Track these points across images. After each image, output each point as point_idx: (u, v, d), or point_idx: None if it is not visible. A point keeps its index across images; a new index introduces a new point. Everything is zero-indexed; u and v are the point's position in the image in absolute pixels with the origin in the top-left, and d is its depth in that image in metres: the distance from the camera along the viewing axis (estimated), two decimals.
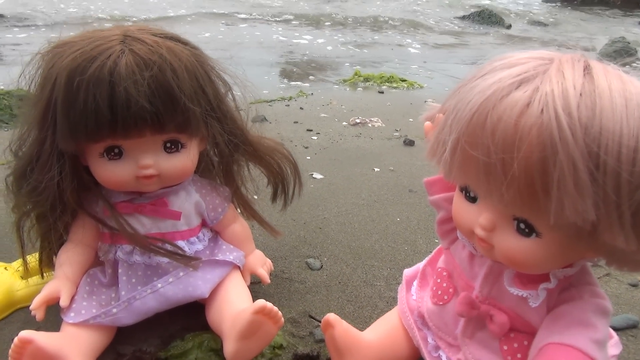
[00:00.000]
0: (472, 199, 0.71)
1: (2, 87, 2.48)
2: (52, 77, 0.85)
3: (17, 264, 1.11)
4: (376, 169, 1.95)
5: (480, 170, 0.62)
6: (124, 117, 0.82)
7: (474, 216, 0.70)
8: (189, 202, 1.01)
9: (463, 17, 7.93)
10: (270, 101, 2.90)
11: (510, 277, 0.74)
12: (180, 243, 0.99)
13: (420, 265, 0.97)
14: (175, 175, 0.94)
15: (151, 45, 0.85)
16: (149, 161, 0.90)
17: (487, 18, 7.68)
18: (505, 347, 0.76)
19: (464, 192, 0.72)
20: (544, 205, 0.59)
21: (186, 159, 0.94)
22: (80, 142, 0.87)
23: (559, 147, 0.56)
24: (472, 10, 8.06)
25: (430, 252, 0.98)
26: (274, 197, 1.16)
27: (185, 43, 0.93)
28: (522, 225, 0.65)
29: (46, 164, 0.88)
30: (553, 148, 0.56)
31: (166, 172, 0.92)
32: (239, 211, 1.15)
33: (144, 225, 0.97)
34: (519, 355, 0.75)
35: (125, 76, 0.81)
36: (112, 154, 0.89)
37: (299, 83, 3.64)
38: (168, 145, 0.91)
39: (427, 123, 0.83)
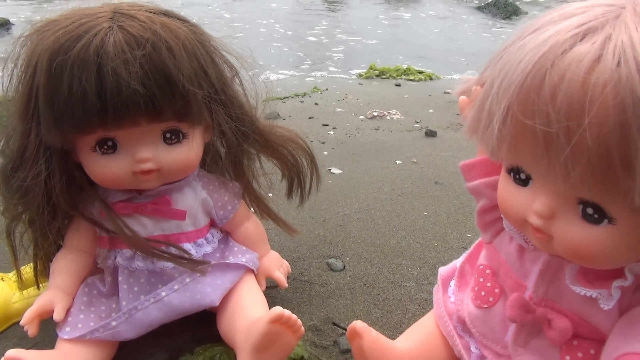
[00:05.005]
0: (523, 182, 0.59)
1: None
2: (34, 61, 0.76)
3: (15, 274, 1.03)
4: (398, 162, 1.83)
5: (537, 143, 0.51)
6: (114, 103, 0.72)
7: (527, 202, 0.59)
8: (195, 200, 0.91)
9: (478, 8, 7.76)
10: (284, 98, 2.79)
11: (572, 273, 0.62)
12: (187, 245, 0.89)
13: (457, 262, 0.85)
14: (178, 169, 0.84)
15: (143, 22, 0.76)
16: (147, 154, 0.80)
17: (502, 8, 7.51)
18: (567, 358, 0.64)
19: (511, 174, 0.60)
20: (624, 183, 0.47)
21: (189, 150, 0.84)
22: (67, 134, 0.77)
23: None
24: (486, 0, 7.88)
25: (464, 248, 0.87)
26: (290, 193, 1.05)
27: (183, 20, 0.83)
28: (589, 210, 0.53)
29: (30, 159, 0.79)
30: (636, 109, 0.45)
31: (167, 166, 0.82)
32: (252, 209, 1.05)
33: (145, 226, 0.87)
34: None
35: (114, 56, 0.71)
36: (105, 147, 0.79)
37: (312, 79, 3.54)
38: (168, 135, 0.81)
39: (463, 97, 0.72)
